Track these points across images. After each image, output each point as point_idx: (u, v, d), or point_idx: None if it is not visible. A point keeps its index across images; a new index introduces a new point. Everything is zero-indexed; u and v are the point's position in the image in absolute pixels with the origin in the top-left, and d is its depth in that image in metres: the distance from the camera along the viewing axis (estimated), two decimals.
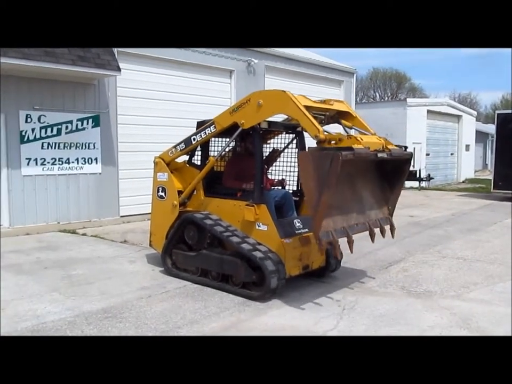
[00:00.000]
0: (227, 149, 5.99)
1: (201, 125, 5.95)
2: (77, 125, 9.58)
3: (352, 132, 5.68)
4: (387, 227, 5.41)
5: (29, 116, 8.95)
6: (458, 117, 24.08)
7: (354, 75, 16.91)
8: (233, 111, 5.42)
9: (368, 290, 5.54)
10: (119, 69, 9.34)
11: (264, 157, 5.90)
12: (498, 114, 16.54)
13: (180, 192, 6.11)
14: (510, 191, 15.13)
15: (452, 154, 24.01)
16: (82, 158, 9.71)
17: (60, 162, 9.42)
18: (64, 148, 9.44)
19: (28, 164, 8.99)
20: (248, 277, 5.14)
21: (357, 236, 4.97)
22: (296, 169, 5.84)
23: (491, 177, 16.39)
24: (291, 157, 6.21)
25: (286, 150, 6.33)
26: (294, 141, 6.23)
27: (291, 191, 6.09)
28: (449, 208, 12.99)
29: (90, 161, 9.83)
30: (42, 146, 9.14)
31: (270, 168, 6.41)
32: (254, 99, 5.18)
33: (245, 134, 5.59)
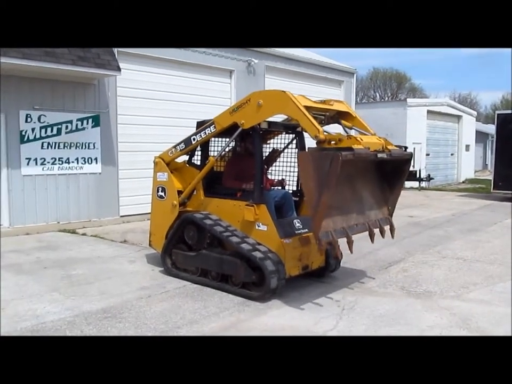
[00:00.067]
0: (227, 149, 5.99)
1: (201, 125, 5.95)
2: (77, 124, 9.58)
3: (352, 132, 5.68)
4: (387, 227, 5.41)
5: (29, 115, 8.95)
6: (459, 117, 24.08)
7: (355, 75, 16.91)
8: (233, 111, 5.42)
9: (368, 291, 5.54)
10: (119, 69, 9.34)
11: (264, 157, 5.90)
12: (498, 114, 16.54)
13: (179, 192, 6.11)
14: (510, 192, 15.12)
15: (452, 154, 24.01)
16: (82, 158, 9.71)
17: (60, 162, 9.42)
18: (64, 148, 9.44)
19: (27, 164, 8.99)
20: (247, 277, 5.14)
21: (357, 236, 4.97)
22: (296, 169, 5.85)
23: (491, 177, 16.39)
24: (291, 157, 6.21)
25: (286, 150, 6.33)
26: (294, 141, 6.23)
27: (291, 191, 6.09)
28: (449, 209, 12.99)
29: (90, 161, 9.83)
30: (42, 146, 9.14)
31: (270, 168, 6.41)
32: (254, 99, 5.18)
33: (245, 134, 5.59)
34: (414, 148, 18.27)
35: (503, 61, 72.04)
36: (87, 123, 9.74)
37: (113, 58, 9.32)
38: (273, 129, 5.95)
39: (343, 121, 5.73)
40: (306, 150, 4.86)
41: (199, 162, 6.19)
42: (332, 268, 5.93)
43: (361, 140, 4.62)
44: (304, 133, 5.79)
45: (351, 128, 5.83)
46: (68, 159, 9.50)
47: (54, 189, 9.35)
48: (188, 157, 6.37)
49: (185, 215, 5.86)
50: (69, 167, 9.54)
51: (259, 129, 5.51)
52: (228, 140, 5.73)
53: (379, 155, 4.77)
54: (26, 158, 8.97)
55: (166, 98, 11.05)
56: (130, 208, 10.35)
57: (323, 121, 5.62)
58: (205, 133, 5.79)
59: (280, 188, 6.16)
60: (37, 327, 4.31)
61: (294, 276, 5.35)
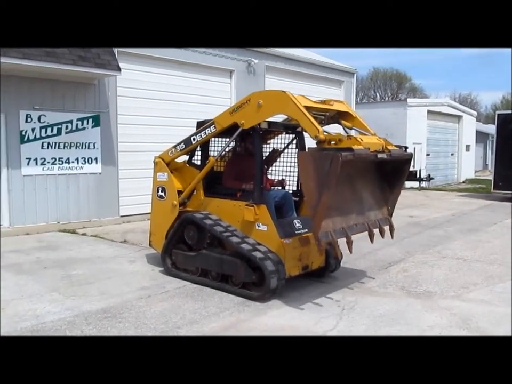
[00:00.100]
0: (227, 149, 5.99)
1: (201, 125, 5.95)
2: (77, 124, 9.58)
3: (352, 132, 5.68)
4: (386, 227, 5.41)
5: (29, 115, 8.95)
6: (459, 117, 24.07)
7: (355, 75, 16.91)
8: (233, 111, 5.42)
9: (368, 291, 5.54)
10: (119, 69, 9.34)
11: (264, 157, 5.90)
12: (498, 114, 16.53)
13: (179, 192, 6.11)
14: (510, 192, 15.12)
15: (452, 154, 24.00)
16: (82, 158, 9.71)
17: (60, 162, 9.42)
18: (64, 148, 9.44)
19: (28, 164, 8.99)
20: (248, 277, 5.14)
21: (357, 236, 4.97)
22: (296, 169, 5.84)
23: (491, 177, 16.38)
24: (291, 157, 6.21)
25: (286, 150, 6.33)
26: (294, 141, 6.23)
27: (291, 191, 6.09)
28: (450, 209, 12.99)
29: (90, 161, 9.83)
30: (42, 146, 9.14)
31: (270, 168, 6.41)
32: (254, 99, 5.18)
33: (245, 134, 5.59)
34: (414, 148, 18.27)
35: (503, 61, 72.18)
36: (87, 123, 9.74)
37: (113, 58, 9.32)
38: (273, 129, 5.95)
39: (343, 121, 5.73)
40: (306, 150, 4.86)
41: (199, 162, 6.20)
42: (332, 268, 5.93)
43: (361, 140, 4.62)
44: (304, 133, 5.79)
45: (351, 128, 5.83)
46: (68, 159, 9.50)
47: (54, 189, 9.35)
48: (188, 157, 6.37)
49: (185, 215, 5.86)
50: (69, 167, 9.53)
51: (259, 129, 5.51)
52: (228, 140, 5.74)
53: (379, 155, 4.77)
54: (26, 158, 8.97)
55: (166, 98, 11.05)
56: (131, 208, 10.35)
57: (323, 121, 5.62)
58: (205, 133, 5.79)
59: (280, 188, 6.16)
60: (37, 327, 4.31)
61: (294, 276, 5.35)
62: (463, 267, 6.64)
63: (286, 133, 6.25)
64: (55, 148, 9.32)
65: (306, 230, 5.36)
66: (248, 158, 5.70)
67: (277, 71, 13.66)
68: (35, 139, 9.06)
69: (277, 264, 5.04)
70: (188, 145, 6.05)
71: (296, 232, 5.34)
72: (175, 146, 6.20)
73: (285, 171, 6.31)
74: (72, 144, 9.54)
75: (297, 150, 6.09)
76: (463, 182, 23.86)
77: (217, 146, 6.17)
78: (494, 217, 11.49)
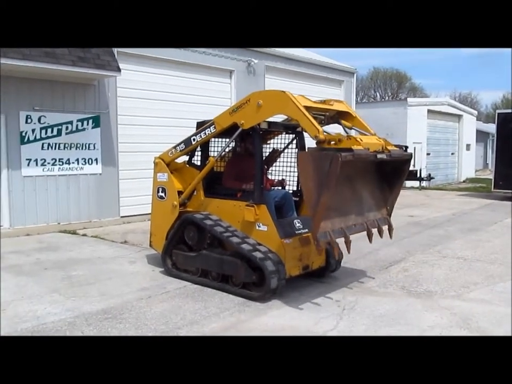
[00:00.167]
0: (227, 149, 5.99)
1: (201, 125, 5.95)
2: (77, 125, 9.59)
3: (352, 132, 5.68)
4: (385, 227, 5.40)
5: (29, 116, 8.95)
6: (459, 116, 24.06)
7: (355, 75, 16.92)
8: (233, 111, 5.42)
9: (368, 291, 5.54)
10: (119, 70, 9.35)
11: (264, 157, 5.90)
12: (498, 113, 16.53)
13: (179, 193, 6.11)
14: (510, 191, 15.12)
15: (452, 153, 24.00)
16: (82, 159, 9.72)
17: (60, 163, 9.42)
18: (64, 149, 9.45)
19: (28, 165, 8.99)
20: (248, 277, 5.14)
21: (357, 236, 4.98)
22: (296, 170, 5.84)
23: (492, 176, 16.39)
24: (291, 157, 6.21)
25: (286, 150, 6.33)
26: (294, 141, 6.22)
27: (291, 191, 6.09)
28: (450, 208, 12.98)
29: (90, 162, 9.84)
30: (42, 147, 9.15)
31: (270, 169, 6.40)
32: (254, 99, 5.18)
33: (245, 135, 5.58)
34: (415, 148, 18.27)
35: (503, 61, 72.15)
36: (87, 124, 9.74)
37: (113, 58, 9.32)
38: (273, 129, 5.95)
39: (343, 121, 5.73)
40: (306, 150, 4.86)
41: (199, 163, 6.19)
42: (332, 268, 5.93)
43: (361, 140, 4.62)
44: (304, 133, 5.78)
45: (351, 128, 5.83)
46: (68, 159, 9.51)
47: (54, 189, 9.35)
48: (188, 157, 6.37)
49: (185, 216, 5.86)
50: (69, 168, 9.54)
51: (259, 130, 5.51)
52: (227, 140, 5.73)
53: (379, 156, 4.77)
54: (26, 159, 8.97)
55: (166, 99, 11.05)
56: (131, 209, 10.36)
57: (323, 121, 5.62)
58: (205, 133, 5.79)
59: (280, 188, 6.16)
60: (38, 328, 4.31)
61: (294, 276, 5.35)
62: (464, 266, 6.64)
63: (286, 133, 6.25)
64: (55, 148, 9.32)
65: (307, 230, 5.35)
66: (248, 158, 5.70)
67: (277, 71, 13.66)
68: (35, 140, 9.06)
69: (277, 264, 5.04)
70: (187, 146, 6.05)
71: (296, 232, 5.34)
72: (175, 147, 6.20)
73: (285, 171, 6.31)
74: (72, 145, 9.55)
75: (297, 150, 6.09)
76: (464, 181, 23.86)
77: (217, 146, 6.17)
78: (494, 216, 11.48)
